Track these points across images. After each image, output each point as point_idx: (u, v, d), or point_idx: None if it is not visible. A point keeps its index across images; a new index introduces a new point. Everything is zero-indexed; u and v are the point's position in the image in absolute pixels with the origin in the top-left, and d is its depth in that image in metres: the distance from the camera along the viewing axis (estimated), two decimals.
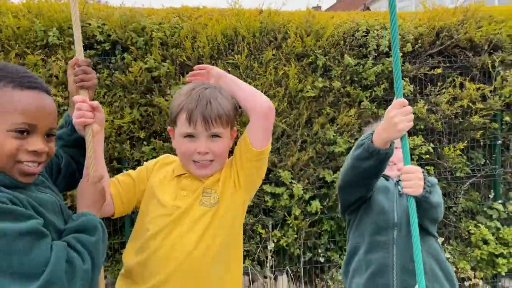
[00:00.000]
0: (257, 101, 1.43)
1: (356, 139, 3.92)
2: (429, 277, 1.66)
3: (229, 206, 1.43)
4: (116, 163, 3.73)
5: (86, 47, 3.68)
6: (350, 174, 1.63)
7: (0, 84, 1.05)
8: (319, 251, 4.07)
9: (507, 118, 4.13)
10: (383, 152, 1.49)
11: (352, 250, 1.83)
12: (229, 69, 3.73)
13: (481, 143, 4.18)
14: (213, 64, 3.79)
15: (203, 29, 3.75)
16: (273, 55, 3.75)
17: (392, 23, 1.35)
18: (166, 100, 3.62)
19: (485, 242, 4.10)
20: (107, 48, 3.68)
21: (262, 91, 3.48)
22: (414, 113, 3.92)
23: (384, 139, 1.46)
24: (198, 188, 1.45)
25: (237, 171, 1.46)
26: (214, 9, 4.06)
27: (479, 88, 4.05)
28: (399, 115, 1.39)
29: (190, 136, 1.42)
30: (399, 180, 1.86)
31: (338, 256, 4.09)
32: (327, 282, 4.09)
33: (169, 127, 1.54)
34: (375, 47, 3.86)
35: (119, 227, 4.02)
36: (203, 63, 3.79)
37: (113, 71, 3.67)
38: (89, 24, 3.67)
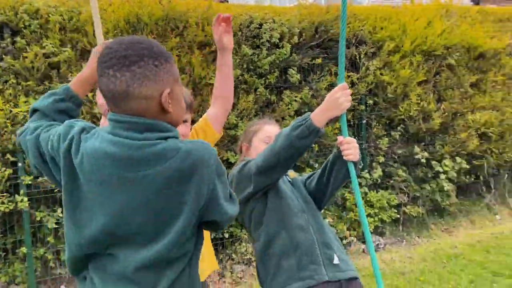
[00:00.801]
0: (232, 93, 1.76)
1: None
2: (337, 249, 1.92)
3: None
4: (11, 156, 3.45)
5: None
6: (282, 153, 1.72)
7: (164, 60, 1.19)
8: None
9: (370, 101, 4.97)
10: (321, 130, 1.72)
11: (272, 236, 1.87)
12: None
13: (351, 123, 4.95)
14: None
15: (103, 14, 3.67)
16: (176, 43, 3.87)
17: (342, 23, 1.69)
18: None
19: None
20: None
21: None
22: (300, 99, 4.51)
23: (327, 118, 1.71)
24: None
25: None
26: None
27: (349, 76, 4.79)
28: (343, 97, 1.70)
29: None
30: None
31: (239, 231, 4.45)
32: (231, 255, 4.43)
33: None
34: (268, 39, 4.27)
35: (12, 226, 3.73)
36: None
37: (3, 56, 3.37)
38: None
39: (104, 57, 1.14)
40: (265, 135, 2.03)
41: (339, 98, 1.70)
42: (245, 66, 4.21)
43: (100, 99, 1.58)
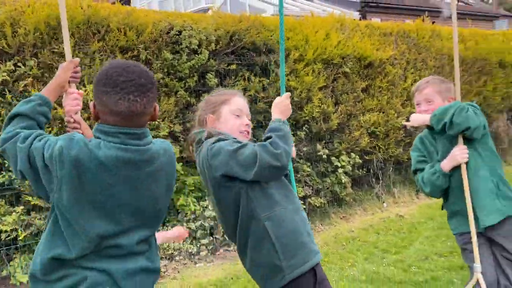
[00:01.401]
0: None
1: (175, 124, 4.55)
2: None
3: None
4: None
5: None
6: (289, 150, 1.84)
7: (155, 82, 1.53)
8: None
9: None
10: None
11: (283, 213, 1.92)
12: (55, 58, 3.74)
13: (263, 123, 5.40)
14: (35, 53, 3.72)
15: (22, 16, 3.63)
16: (99, 47, 3.95)
17: (281, 35, 2.07)
18: None
19: None
20: None
21: (89, 81, 3.74)
22: None
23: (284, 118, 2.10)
24: None
25: None
26: None
27: (260, 81, 5.23)
28: (289, 103, 2.12)
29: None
30: None
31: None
32: None
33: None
34: (187, 45, 4.52)
35: None
36: (24, 52, 3.69)
37: None
38: None
39: (121, 84, 1.39)
40: (236, 107, 2.02)
41: (288, 104, 2.12)
42: (165, 70, 4.42)
43: (67, 106, 1.74)
